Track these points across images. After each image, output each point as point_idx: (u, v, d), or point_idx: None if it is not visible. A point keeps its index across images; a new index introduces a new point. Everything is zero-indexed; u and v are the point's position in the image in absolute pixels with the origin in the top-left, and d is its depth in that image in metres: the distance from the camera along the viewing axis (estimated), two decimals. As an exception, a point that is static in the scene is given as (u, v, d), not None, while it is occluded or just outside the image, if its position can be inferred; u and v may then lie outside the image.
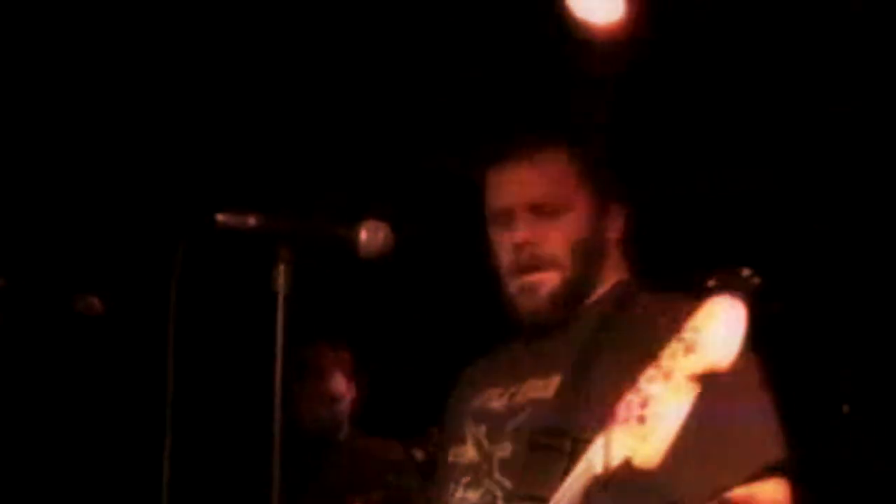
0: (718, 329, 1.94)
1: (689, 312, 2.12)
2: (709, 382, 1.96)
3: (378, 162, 4.29)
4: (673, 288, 2.48)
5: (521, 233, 2.54)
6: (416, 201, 4.36)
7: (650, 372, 2.00)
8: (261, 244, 2.34)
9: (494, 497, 2.43)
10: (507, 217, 2.57)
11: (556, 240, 2.54)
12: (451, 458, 2.59)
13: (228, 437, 4.97)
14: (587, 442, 2.19)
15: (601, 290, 2.59)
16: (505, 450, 2.46)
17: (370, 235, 2.41)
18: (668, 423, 1.96)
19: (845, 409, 5.01)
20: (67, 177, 4.83)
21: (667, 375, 1.97)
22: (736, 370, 2.00)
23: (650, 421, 1.97)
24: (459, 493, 2.51)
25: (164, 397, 2.34)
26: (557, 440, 2.31)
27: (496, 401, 2.56)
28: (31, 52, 4.35)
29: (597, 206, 2.58)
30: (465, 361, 2.77)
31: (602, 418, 2.18)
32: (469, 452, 2.55)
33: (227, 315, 4.61)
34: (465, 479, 2.51)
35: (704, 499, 2.26)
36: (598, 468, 2.07)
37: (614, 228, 2.61)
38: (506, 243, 2.56)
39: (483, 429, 2.54)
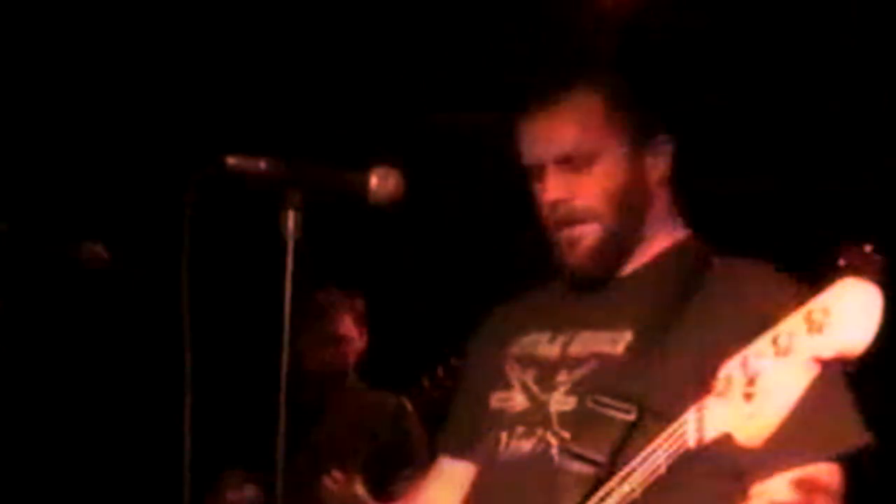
0: (856, 314, 1.83)
1: (801, 290, 2.04)
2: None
3: (390, 110, 4.28)
4: (742, 253, 2.42)
5: (551, 192, 2.45)
6: (426, 149, 4.36)
7: (760, 346, 1.92)
8: (271, 188, 2.31)
9: (549, 446, 2.36)
10: (539, 171, 2.48)
11: (591, 192, 2.44)
12: (495, 404, 2.51)
13: (237, 382, 4.95)
14: (656, 413, 2.19)
15: (659, 243, 2.50)
16: (565, 403, 2.38)
17: (380, 181, 2.37)
18: (779, 403, 1.89)
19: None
20: (72, 119, 4.82)
21: (783, 352, 1.88)
22: None
23: (759, 398, 1.91)
24: (513, 443, 2.43)
25: (172, 345, 2.33)
26: (624, 405, 2.26)
27: (545, 346, 2.49)
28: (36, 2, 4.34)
29: (632, 147, 2.46)
30: (475, 310, 2.73)
31: (679, 391, 2.16)
32: (517, 398, 2.47)
33: (236, 260, 4.59)
34: (519, 429, 2.43)
35: (770, 473, 2.22)
36: (691, 441, 2.04)
37: (657, 166, 2.49)
38: (541, 199, 2.48)
39: (531, 374, 2.47)
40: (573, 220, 2.44)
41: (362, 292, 4.59)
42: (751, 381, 1.92)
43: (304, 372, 4.41)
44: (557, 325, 2.50)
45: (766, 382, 1.90)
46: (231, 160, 2.30)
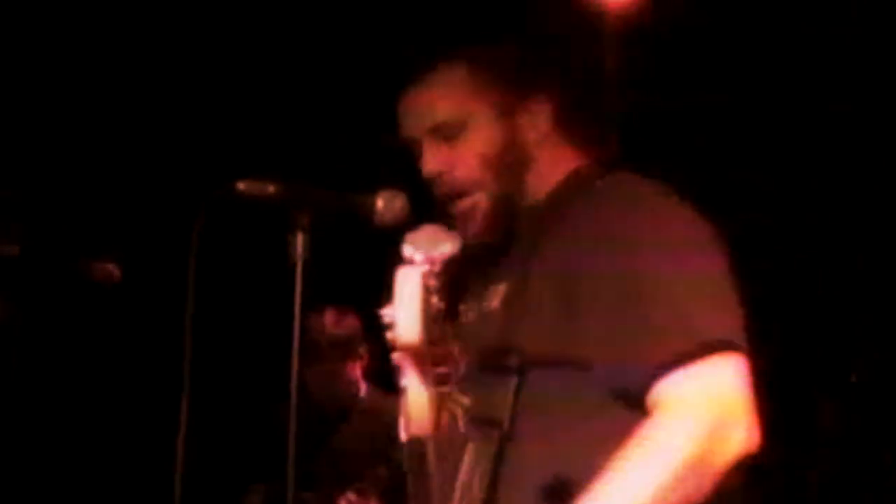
0: (401, 306, 1.92)
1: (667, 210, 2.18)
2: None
3: (395, 133, 4.32)
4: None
5: (430, 164, 2.45)
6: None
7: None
8: (279, 211, 2.36)
9: (456, 418, 2.30)
10: (417, 146, 2.48)
11: (468, 160, 2.43)
12: None
13: (245, 404, 4.98)
14: (533, 355, 2.21)
15: (550, 185, 2.46)
16: (464, 366, 2.33)
17: (386, 204, 2.41)
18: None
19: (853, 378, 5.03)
20: (86, 139, 4.85)
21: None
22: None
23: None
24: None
25: (181, 364, 2.37)
26: (504, 356, 2.26)
27: (466, 312, 2.48)
28: (54, 18, 4.36)
29: (504, 111, 2.44)
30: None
31: (549, 324, 2.20)
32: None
33: (243, 281, 4.63)
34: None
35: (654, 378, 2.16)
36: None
37: (534, 127, 2.45)
38: (423, 174, 2.46)
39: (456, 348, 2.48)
40: (458, 192, 2.43)
41: (354, 308, 4.62)
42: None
43: (311, 402, 4.46)
44: (470, 293, 2.50)
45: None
46: (241, 184, 2.35)
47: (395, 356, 2.04)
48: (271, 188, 2.36)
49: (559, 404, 2.23)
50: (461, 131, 2.43)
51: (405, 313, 1.93)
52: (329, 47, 4.52)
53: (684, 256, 2.23)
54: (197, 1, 4.43)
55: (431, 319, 1.97)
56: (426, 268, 1.97)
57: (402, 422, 2.07)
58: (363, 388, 4.67)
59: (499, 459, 2.23)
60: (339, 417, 4.59)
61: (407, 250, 2.01)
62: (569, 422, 2.23)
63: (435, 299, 1.98)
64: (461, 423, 2.26)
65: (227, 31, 4.57)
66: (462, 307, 2.50)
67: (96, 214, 4.85)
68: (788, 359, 2.32)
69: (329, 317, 4.57)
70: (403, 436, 2.07)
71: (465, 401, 2.25)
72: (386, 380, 4.61)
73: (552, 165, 2.47)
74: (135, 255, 3.61)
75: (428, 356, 2.01)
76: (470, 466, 2.24)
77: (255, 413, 4.47)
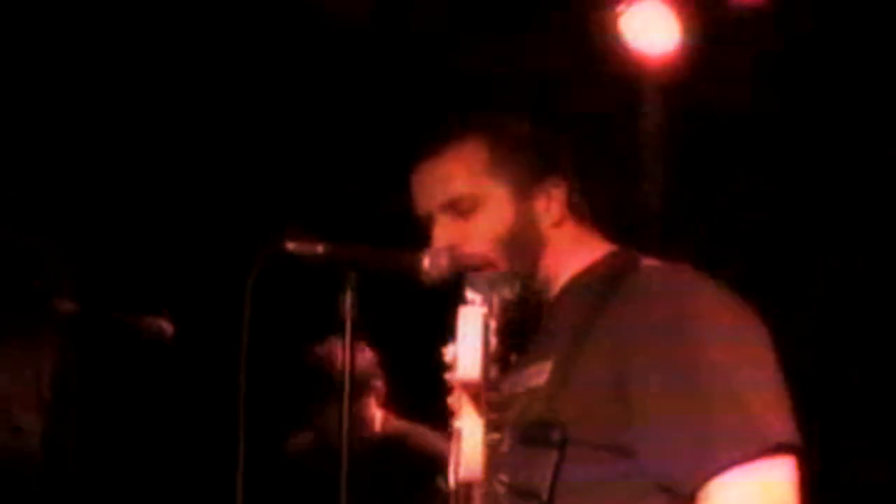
0: (464, 343, 1.94)
1: (713, 297, 2.19)
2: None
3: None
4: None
5: (440, 240, 2.43)
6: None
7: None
8: (328, 270, 2.41)
9: (497, 493, 2.32)
10: (429, 221, 2.47)
11: (479, 237, 2.41)
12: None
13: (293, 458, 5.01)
14: (577, 434, 2.21)
15: (574, 268, 2.44)
16: (503, 444, 2.33)
17: (433, 262, 2.42)
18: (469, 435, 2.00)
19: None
20: (140, 200, 4.90)
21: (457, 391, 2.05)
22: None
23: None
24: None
25: (231, 418, 2.42)
26: (547, 431, 2.25)
27: (506, 390, 2.43)
28: (110, 78, 4.43)
29: (519, 191, 2.42)
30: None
31: (596, 404, 2.20)
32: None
33: (294, 337, 4.67)
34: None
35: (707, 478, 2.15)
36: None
37: (550, 210, 2.44)
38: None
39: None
40: (467, 266, 2.37)
41: (366, 339, 4.61)
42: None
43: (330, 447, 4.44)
44: (517, 366, 2.47)
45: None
46: (290, 244, 2.38)
47: (451, 398, 2.08)
48: (320, 248, 2.39)
49: (599, 486, 2.23)
50: (474, 208, 2.42)
51: (467, 351, 1.95)
52: (377, 112, 4.58)
53: (742, 352, 2.22)
54: (248, 68, 4.48)
55: (490, 360, 2.00)
56: (486, 309, 2.00)
57: (450, 466, 2.07)
58: (378, 420, 4.59)
59: None
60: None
61: (468, 292, 2.03)
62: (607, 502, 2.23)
63: (494, 341, 2.01)
64: (503, 501, 2.32)
65: (278, 93, 4.63)
66: (506, 379, 2.54)
67: (149, 272, 4.91)
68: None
69: (340, 350, 4.53)
70: (452, 481, 2.08)
71: (504, 478, 2.32)
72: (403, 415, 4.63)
73: (570, 248, 2.46)
74: (187, 313, 3.67)
75: (483, 398, 2.03)
76: None
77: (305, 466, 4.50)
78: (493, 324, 2.00)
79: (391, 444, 4.53)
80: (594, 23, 4.40)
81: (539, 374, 2.38)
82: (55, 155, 4.68)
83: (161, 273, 4.89)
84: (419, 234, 2.53)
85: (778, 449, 2.15)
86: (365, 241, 2.44)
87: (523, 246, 2.43)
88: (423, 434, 4.51)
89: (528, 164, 2.45)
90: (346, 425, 2.41)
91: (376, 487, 4.44)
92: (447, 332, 2.02)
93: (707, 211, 4.83)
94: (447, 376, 2.03)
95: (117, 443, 5.06)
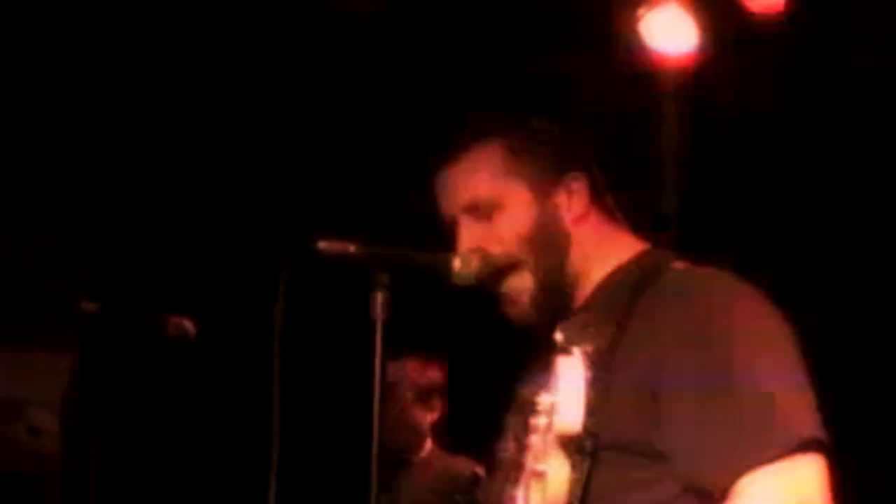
0: (566, 395, 2.00)
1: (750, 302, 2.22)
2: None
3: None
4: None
5: (464, 243, 2.43)
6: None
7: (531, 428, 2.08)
8: (359, 270, 2.41)
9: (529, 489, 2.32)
10: (453, 225, 2.46)
11: (503, 238, 2.41)
12: (497, 455, 2.49)
13: (324, 459, 5.01)
14: (609, 440, 2.21)
15: (603, 269, 2.42)
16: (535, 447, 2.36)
17: (463, 263, 2.43)
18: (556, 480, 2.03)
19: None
20: (164, 200, 4.90)
21: (540, 432, 2.09)
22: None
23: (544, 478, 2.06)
24: (504, 487, 2.40)
25: (254, 420, 2.41)
26: (580, 440, 2.23)
27: (528, 389, 2.44)
28: (136, 75, 4.43)
29: (539, 189, 2.42)
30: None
31: (630, 411, 2.20)
32: (510, 445, 2.44)
33: (320, 338, 4.67)
34: (511, 475, 2.39)
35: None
36: None
37: (571, 207, 2.43)
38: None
39: (518, 419, 2.44)
40: (499, 268, 2.40)
41: (440, 360, 4.66)
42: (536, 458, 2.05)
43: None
44: (540, 365, 2.45)
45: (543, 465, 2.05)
46: (322, 244, 2.38)
47: (536, 439, 2.11)
48: (351, 248, 2.39)
49: (629, 491, 2.23)
50: (496, 210, 2.43)
51: (570, 402, 2.02)
52: (402, 112, 4.57)
53: (770, 353, 2.23)
54: (274, 69, 4.48)
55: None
56: (584, 359, 2.05)
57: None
58: (428, 443, 4.67)
59: None
60: (398, 464, 4.57)
61: (559, 339, 2.08)
62: None
63: (590, 392, 2.08)
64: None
65: (304, 92, 4.63)
66: (529, 379, 2.51)
67: (173, 272, 4.90)
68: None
69: (412, 365, 4.58)
70: None
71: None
72: (452, 438, 4.66)
73: (598, 244, 2.45)
74: (211, 313, 3.66)
75: (575, 447, 2.10)
76: None
77: (335, 466, 4.50)
78: (588, 374, 2.07)
79: (434, 475, 4.56)
80: (615, 25, 4.40)
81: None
82: (77, 154, 4.67)
83: (185, 273, 4.88)
84: (448, 236, 2.54)
85: (807, 446, 2.16)
86: (394, 242, 2.45)
87: (548, 243, 2.42)
88: (455, 463, 4.57)
89: (546, 161, 2.45)
90: (376, 433, 2.38)
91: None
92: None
93: (723, 212, 4.82)
94: (535, 421, 2.07)
95: (139, 445, 5.05)
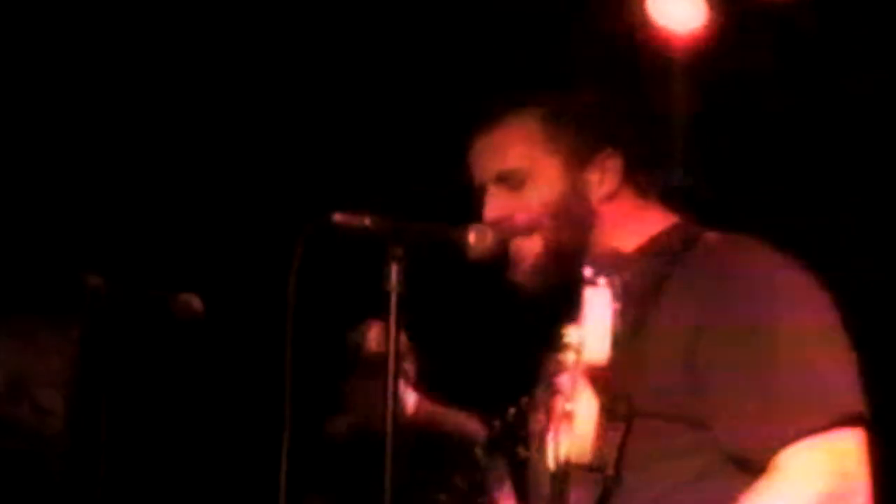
0: (593, 326, 1.94)
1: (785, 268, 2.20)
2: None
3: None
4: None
5: (491, 211, 2.45)
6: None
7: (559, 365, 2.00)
8: (374, 243, 2.39)
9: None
10: (483, 192, 2.48)
11: (529, 207, 2.42)
12: (529, 426, 2.52)
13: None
14: (645, 407, 2.21)
15: (635, 240, 2.42)
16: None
17: (478, 237, 2.43)
18: (584, 417, 1.97)
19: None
20: (170, 177, 4.88)
21: (569, 370, 1.99)
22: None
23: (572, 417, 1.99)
24: (536, 458, 2.42)
25: (269, 397, 2.39)
26: (612, 405, 2.21)
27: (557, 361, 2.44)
28: (136, 48, 4.41)
29: (572, 165, 2.43)
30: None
31: (665, 378, 2.20)
32: (541, 417, 2.46)
33: (336, 310, 4.63)
34: (542, 446, 2.38)
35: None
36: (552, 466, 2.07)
37: (603, 183, 2.43)
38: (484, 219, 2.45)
39: (549, 393, 2.43)
40: (515, 234, 2.42)
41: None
42: (567, 399, 2.00)
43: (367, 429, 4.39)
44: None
45: (572, 403, 1.99)
46: (338, 216, 2.37)
47: (562, 378, 2.05)
48: (367, 220, 2.39)
49: (668, 459, 2.23)
50: (527, 181, 2.44)
51: (596, 333, 1.96)
52: (418, 87, 4.55)
53: (813, 322, 2.23)
54: (289, 40, 4.45)
55: (615, 342, 2.01)
56: (610, 290, 2.00)
57: (550, 445, 2.06)
58: (410, 402, 4.46)
59: None
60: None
61: (588, 272, 2.02)
62: (677, 478, 2.23)
63: (617, 324, 2.03)
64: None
65: (313, 67, 4.60)
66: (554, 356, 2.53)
67: (180, 247, 4.88)
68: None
69: (374, 333, 4.51)
70: (552, 462, 2.08)
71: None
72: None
73: (625, 222, 2.45)
74: (220, 289, 3.64)
75: (603, 382, 2.04)
76: None
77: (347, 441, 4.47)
78: (616, 306, 2.00)
79: (426, 428, 4.50)
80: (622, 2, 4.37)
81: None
82: (84, 129, 4.65)
83: (192, 248, 4.86)
84: (464, 211, 2.51)
85: (848, 420, 2.16)
86: (409, 216, 2.43)
87: (572, 219, 2.42)
88: (456, 416, 4.48)
89: (582, 137, 2.45)
90: (391, 404, 2.37)
91: (414, 470, 4.42)
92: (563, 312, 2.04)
93: (732, 190, 4.80)
94: (563, 357, 2.01)
95: (146, 423, 5.03)
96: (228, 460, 5.16)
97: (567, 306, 2.32)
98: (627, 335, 2.25)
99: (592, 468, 2.19)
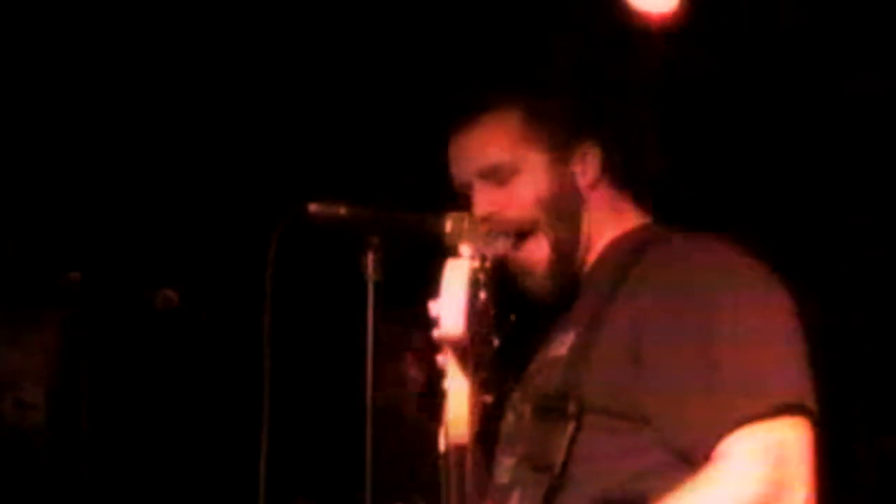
0: (444, 299, 1.85)
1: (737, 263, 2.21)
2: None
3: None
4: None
5: (480, 207, 2.45)
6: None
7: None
8: (351, 232, 2.39)
9: (519, 464, 2.37)
10: (469, 190, 2.49)
11: (520, 201, 2.44)
12: (502, 429, 2.52)
13: (317, 424, 4.99)
14: (593, 404, 2.22)
15: (606, 239, 2.47)
16: (527, 413, 2.40)
17: (455, 225, 2.40)
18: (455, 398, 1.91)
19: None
20: (148, 168, 4.87)
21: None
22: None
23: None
24: (504, 461, 2.43)
25: (251, 390, 2.40)
26: (562, 402, 2.26)
27: (532, 363, 2.51)
28: (113, 40, 4.39)
29: (555, 156, 2.46)
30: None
31: (615, 373, 2.21)
32: (510, 418, 2.49)
33: (311, 301, 4.64)
34: (507, 448, 2.44)
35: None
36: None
37: (586, 172, 2.46)
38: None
39: (518, 393, 2.49)
40: (516, 231, 2.42)
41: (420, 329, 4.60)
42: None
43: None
44: (543, 340, 2.51)
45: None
46: (313, 207, 2.37)
47: (440, 357, 1.98)
48: (343, 210, 2.39)
49: (614, 456, 2.23)
50: (512, 175, 2.45)
51: (450, 305, 1.85)
52: (393, 75, 4.54)
53: (757, 316, 2.23)
54: (264, 34, 4.44)
55: (478, 314, 1.90)
56: (476, 263, 1.91)
57: (441, 430, 1.97)
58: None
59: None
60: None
61: (461, 246, 1.97)
62: (622, 474, 2.23)
63: (483, 295, 1.92)
64: (523, 466, 2.33)
65: (287, 60, 4.59)
66: (536, 356, 2.53)
67: (158, 241, 4.87)
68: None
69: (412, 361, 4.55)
70: (442, 445, 1.99)
71: (521, 450, 2.34)
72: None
73: (608, 212, 2.49)
74: (197, 282, 3.65)
75: (471, 356, 1.94)
76: None
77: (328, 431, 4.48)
78: (482, 277, 1.91)
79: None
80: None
81: (562, 345, 2.39)
82: (58, 128, 4.64)
83: (169, 242, 4.85)
84: (441, 201, 2.52)
85: (790, 409, 2.16)
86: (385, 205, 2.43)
87: (564, 208, 2.46)
88: None
89: (562, 128, 2.48)
90: (370, 390, 2.37)
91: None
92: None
93: (703, 175, 4.81)
94: (434, 334, 1.91)
95: (127, 416, 5.03)
96: (210, 453, 5.16)
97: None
98: (586, 329, 2.32)
99: (540, 467, 2.20)
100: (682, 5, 4.46)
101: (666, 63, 4.62)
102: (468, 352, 1.92)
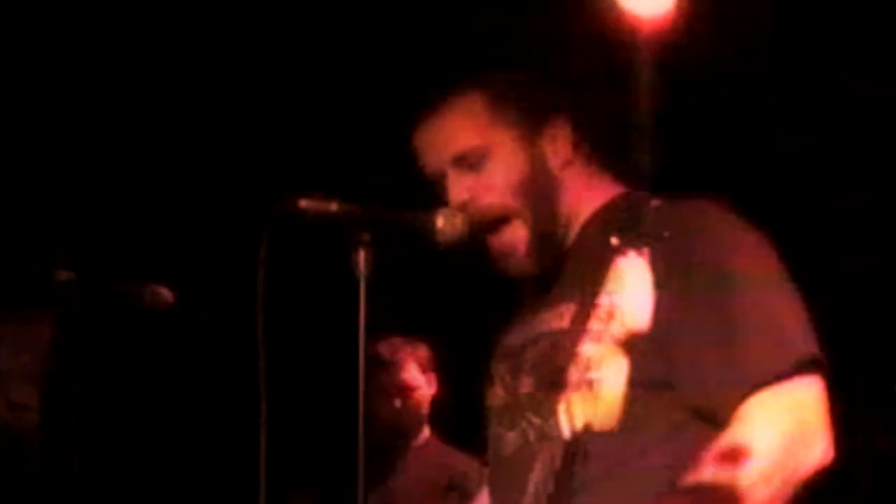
0: (632, 293, 1.91)
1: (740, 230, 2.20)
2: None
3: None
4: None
5: (455, 195, 2.45)
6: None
7: (587, 333, 1.98)
8: (342, 229, 2.38)
9: (527, 436, 2.37)
10: (442, 179, 2.48)
11: (495, 187, 2.43)
12: (487, 402, 2.53)
13: (309, 427, 4.98)
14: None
15: (589, 210, 2.46)
16: (527, 386, 2.39)
17: (446, 222, 2.44)
18: (612, 384, 1.93)
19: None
20: (138, 166, 4.87)
21: (597, 338, 1.96)
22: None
23: (596, 385, 1.95)
24: (506, 435, 2.43)
25: (240, 391, 2.39)
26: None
27: (514, 336, 2.50)
28: (106, 41, 4.40)
29: (525, 137, 2.45)
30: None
31: None
32: (498, 392, 2.49)
33: (304, 299, 4.64)
34: (505, 420, 2.43)
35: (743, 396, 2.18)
36: (566, 434, 2.03)
37: (557, 151, 2.46)
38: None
39: (504, 365, 2.48)
40: (492, 218, 2.43)
41: (426, 339, 4.55)
42: (587, 367, 1.97)
43: (376, 427, 4.37)
44: (524, 314, 2.51)
45: (596, 369, 1.95)
46: (303, 203, 2.37)
47: (590, 347, 2.00)
48: (333, 206, 2.39)
49: (634, 423, 2.17)
50: (484, 160, 2.45)
51: (637, 301, 1.94)
52: (382, 73, 4.55)
53: (765, 272, 2.26)
54: (250, 30, 4.45)
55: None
56: (645, 260, 1.98)
57: (578, 414, 1.99)
58: (426, 431, 4.53)
59: (565, 475, 2.18)
60: (393, 450, 4.47)
61: (614, 241, 2.02)
62: (644, 441, 2.24)
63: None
64: (532, 440, 2.35)
65: (279, 56, 4.60)
66: (515, 327, 2.54)
67: (149, 239, 4.88)
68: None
69: (399, 342, 4.47)
70: (566, 431, 2.01)
71: (534, 419, 2.34)
72: (450, 421, 4.59)
73: (584, 190, 2.48)
74: (189, 279, 3.64)
75: (640, 348, 2.00)
76: (535, 484, 2.20)
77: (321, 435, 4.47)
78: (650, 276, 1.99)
79: (431, 466, 4.47)
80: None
81: (561, 317, 2.37)
82: (47, 126, 4.64)
83: (161, 240, 4.86)
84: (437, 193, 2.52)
85: (807, 366, 2.19)
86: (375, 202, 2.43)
87: (539, 188, 2.45)
88: (457, 456, 4.44)
89: (529, 108, 2.47)
90: (362, 397, 2.36)
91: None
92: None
93: (698, 174, 4.81)
94: (596, 326, 1.97)
95: (120, 416, 5.04)
96: (203, 452, 5.16)
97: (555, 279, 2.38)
98: (587, 305, 2.25)
99: (552, 436, 2.15)
100: (682, 5, 4.48)
101: (665, 62, 4.64)
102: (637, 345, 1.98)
